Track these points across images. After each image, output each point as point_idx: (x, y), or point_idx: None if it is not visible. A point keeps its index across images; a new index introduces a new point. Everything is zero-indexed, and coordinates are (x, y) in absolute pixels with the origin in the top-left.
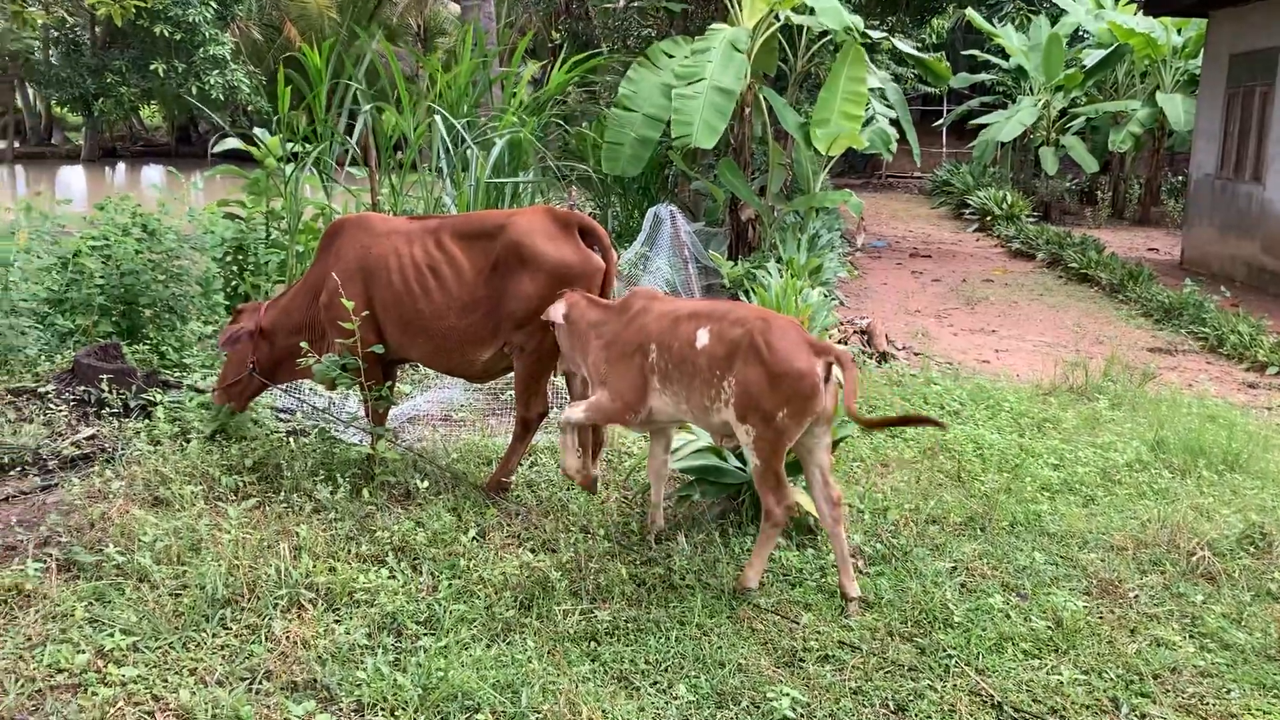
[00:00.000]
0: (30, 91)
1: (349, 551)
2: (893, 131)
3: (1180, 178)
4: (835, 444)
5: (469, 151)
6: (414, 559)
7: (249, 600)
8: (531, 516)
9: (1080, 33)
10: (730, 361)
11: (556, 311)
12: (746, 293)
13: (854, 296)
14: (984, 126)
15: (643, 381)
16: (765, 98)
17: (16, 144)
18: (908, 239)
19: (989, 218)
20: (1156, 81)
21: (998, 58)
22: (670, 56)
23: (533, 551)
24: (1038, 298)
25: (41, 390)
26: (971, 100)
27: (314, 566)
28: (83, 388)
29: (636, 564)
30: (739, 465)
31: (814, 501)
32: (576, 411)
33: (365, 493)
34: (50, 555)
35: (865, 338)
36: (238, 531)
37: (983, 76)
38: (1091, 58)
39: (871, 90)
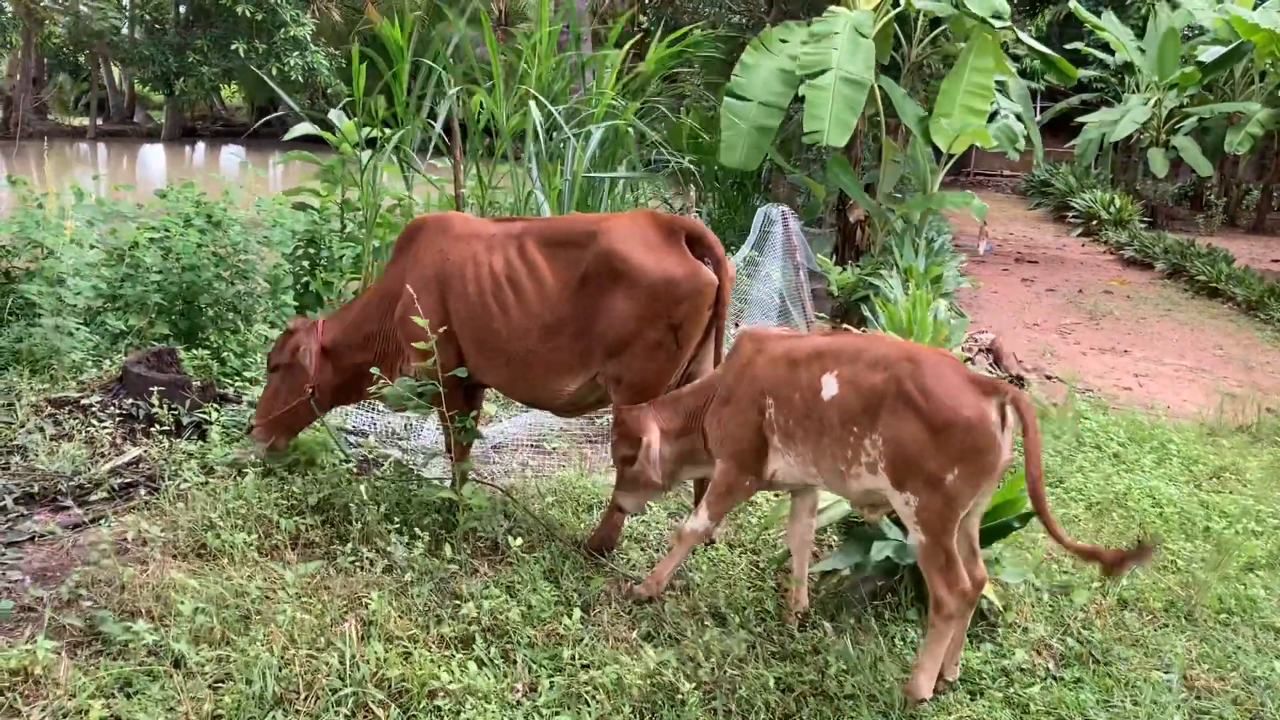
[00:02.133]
0: (115, 70)
1: (428, 630)
2: (1020, 128)
3: None
4: (1025, 517)
5: (564, 141)
6: (506, 642)
7: (305, 700)
8: (645, 594)
9: (1190, 28)
10: (873, 415)
11: (650, 440)
12: (862, 301)
13: (965, 307)
14: (1084, 125)
15: (761, 442)
16: (883, 88)
17: (100, 121)
18: (1009, 242)
19: (1094, 222)
20: (1278, 80)
21: (1101, 52)
22: (785, 42)
23: (650, 639)
24: (1166, 313)
25: (85, 401)
26: (1071, 98)
27: (385, 654)
28: (131, 400)
29: (780, 661)
30: (898, 528)
31: None
32: (700, 519)
33: (448, 548)
34: (70, 625)
35: (991, 357)
36: (294, 607)
37: (1082, 73)
38: (1208, 54)
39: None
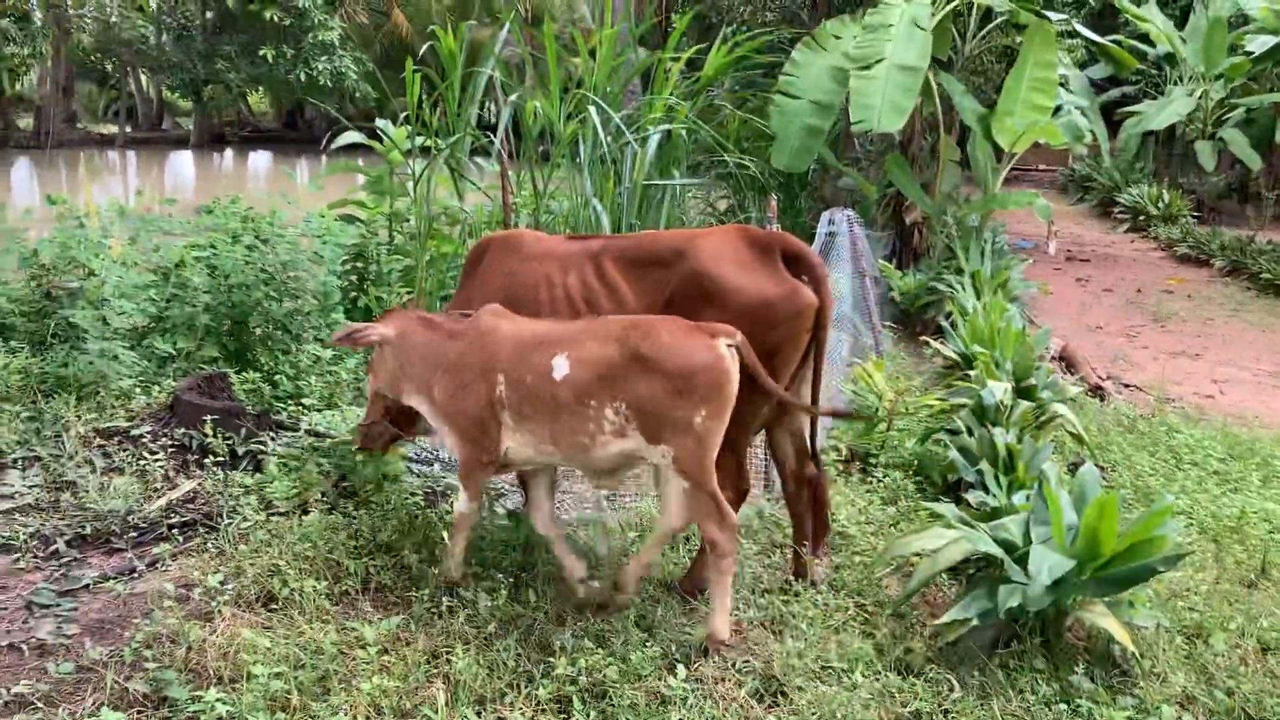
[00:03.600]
0: (143, 77)
1: (519, 691)
2: (1085, 122)
3: None
4: (1171, 559)
5: (624, 147)
6: (607, 703)
7: None
8: (743, 637)
9: (1234, 17)
10: (610, 385)
11: (382, 330)
12: (928, 307)
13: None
14: (1127, 118)
15: (491, 417)
16: (940, 84)
17: (129, 129)
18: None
19: (1142, 217)
20: None
21: (1141, 44)
22: (838, 39)
23: (759, 698)
24: (1233, 314)
25: (135, 432)
26: (1111, 90)
27: None
28: (183, 430)
29: (905, 717)
30: (1019, 570)
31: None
32: (462, 502)
33: (531, 594)
34: (135, 691)
35: (1064, 365)
36: (375, 667)
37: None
38: (1256, 44)
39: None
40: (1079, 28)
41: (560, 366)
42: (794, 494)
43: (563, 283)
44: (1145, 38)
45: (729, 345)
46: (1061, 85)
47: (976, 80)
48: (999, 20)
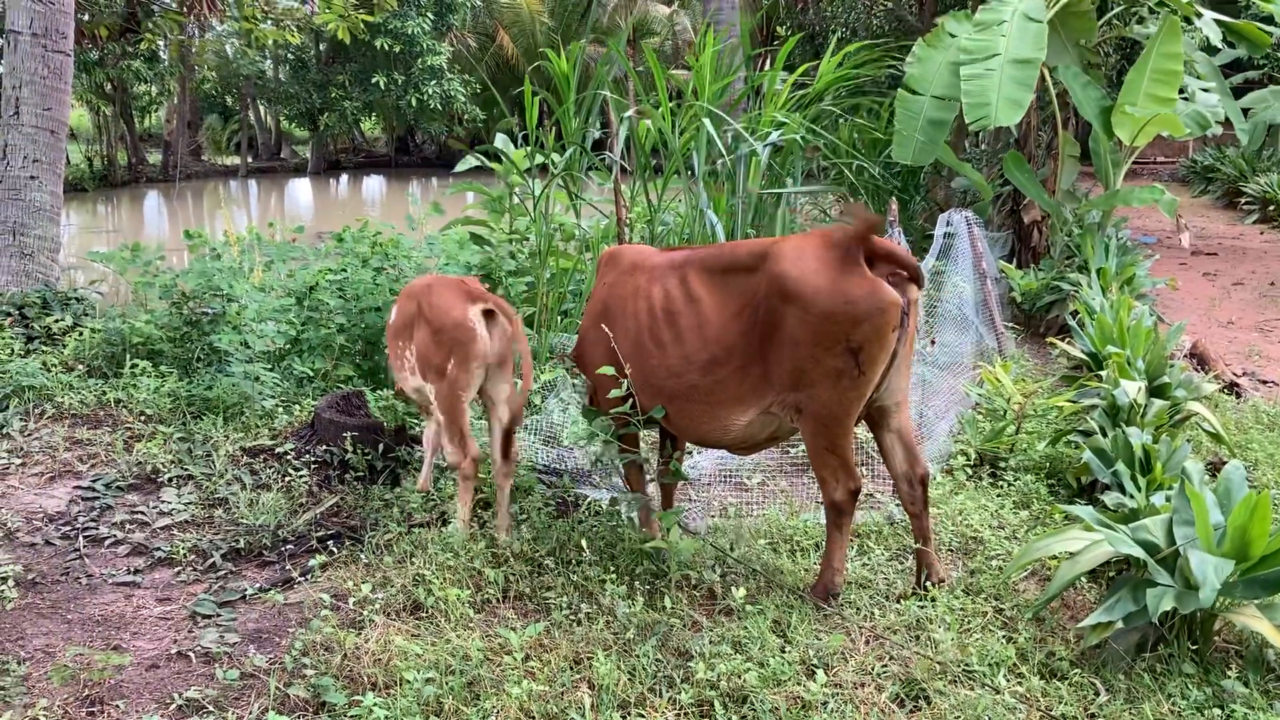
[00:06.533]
0: (262, 109)
1: (661, 695)
2: (1213, 100)
3: None
4: None
5: (736, 160)
6: (749, 708)
7: None
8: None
9: None
10: (409, 332)
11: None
12: (1050, 307)
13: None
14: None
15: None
16: (1059, 78)
17: (249, 159)
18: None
19: (1272, 208)
20: None
21: (1267, 25)
22: (954, 36)
23: (900, 703)
24: None
25: (279, 449)
26: (1233, 76)
27: None
28: (324, 447)
29: None
30: (1165, 572)
31: (491, 448)
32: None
33: (667, 601)
34: (296, 697)
35: (1197, 362)
36: (521, 672)
37: (1239, 52)
38: None
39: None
40: (1202, 10)
41: (392, 313)
42: (907, 494)
43: (649, 294)
44: (1270, 19)
45: (482, 310)
46: (1186, 70)
47: (1090, 73)
48: (1117, 10)
